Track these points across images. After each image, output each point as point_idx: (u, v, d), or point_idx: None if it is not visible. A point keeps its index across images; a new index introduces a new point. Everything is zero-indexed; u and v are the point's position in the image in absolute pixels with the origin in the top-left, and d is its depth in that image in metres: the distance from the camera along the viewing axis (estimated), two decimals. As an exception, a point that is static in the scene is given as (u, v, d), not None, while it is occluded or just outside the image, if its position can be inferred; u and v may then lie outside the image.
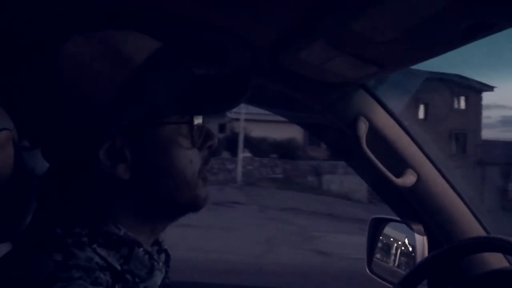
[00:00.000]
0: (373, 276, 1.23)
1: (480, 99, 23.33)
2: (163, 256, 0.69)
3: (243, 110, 16.72)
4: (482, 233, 1.02)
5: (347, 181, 17.77)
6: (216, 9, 0.74)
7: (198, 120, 0.62)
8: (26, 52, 0.87)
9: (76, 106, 0.56)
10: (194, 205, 0.64)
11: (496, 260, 0.99)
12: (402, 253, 1.20)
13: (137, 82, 0.57)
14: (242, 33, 0.82)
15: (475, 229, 1.01)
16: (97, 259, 0.56)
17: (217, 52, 0.88)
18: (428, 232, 1.07)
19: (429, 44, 0.69)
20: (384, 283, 1.17)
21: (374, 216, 1.27)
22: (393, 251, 1.23)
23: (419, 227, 1.08)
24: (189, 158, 0.61)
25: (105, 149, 0.57)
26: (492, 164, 20.92)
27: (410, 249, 1.16)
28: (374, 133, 0.98)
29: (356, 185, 17.71)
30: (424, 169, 1.00)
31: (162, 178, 0.60)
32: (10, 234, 0.73)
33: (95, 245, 0.57)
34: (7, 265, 0.55)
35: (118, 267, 0.58)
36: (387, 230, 1.26)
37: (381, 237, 1.26)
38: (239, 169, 17.66)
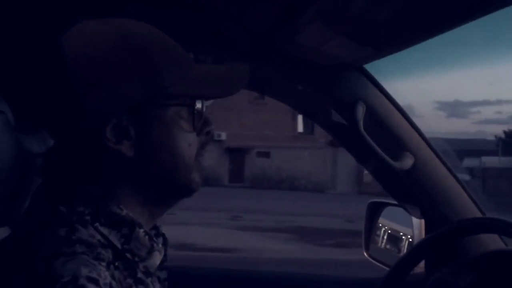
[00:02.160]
0: (371, 260, 1.24)
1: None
2: (160, 240, 0.70)
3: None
4: (478, 214, 1.02)
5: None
6: None
7: (198, 105, 0.64)
8: (23, 36, 0.86)
9: (86, 84, 0.58)
10: (189, 188, 0.66)
11: (491, 241, 1.00)
12: (399, 236, 1.21)
13: (145, 64, 0.59)
14: (239, 16, 0.81)
15: (471, 210, 1.02)
16: (98, 237, 0.58)
17: (214, 35, 0.88)
18: (425, 215, 1.08)
19: (426, 24, 0.69)
20: (383, 266, 1.18)
21: (372, 200, 1.28)
22: (391, 234, 1.24)
23: (417, 210, 1.09)
24: (188, 141, 0.64)
25: (112, 126, 0.59)
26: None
27: (408, 232, 1.17)
28: (372, 116, 0.98)
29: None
30: (421, 152, 1.01)
31: (162, 157, 0.62)
32: (8, 218, 0.73)
33: (97, 224, 0.59)
34: (13, 243, 0.56)
35: (119, 246, 0.59)
36: (385, 214, 1.27)
37: (378, 221, 1.27)
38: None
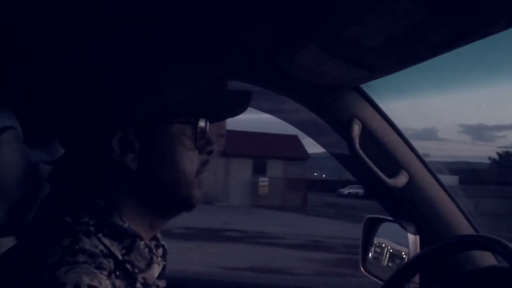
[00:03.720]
0: (367, 275, 1.26)
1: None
2: (160, 251, 0.73)
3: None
4: (472, 231, 1.04)
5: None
6: (213, 12, 0.77)
7: (201, 123, 0.68)
8: (31, 50, 0.90)
9: (97, 98, 0.62)
10: (188, 203, 0.68)
11: (484, 258, 1.01)
12: (395, 252, 1.23)
13: (153, 82, 0.63)
14: (239, 37, 0.85)
15: (464, 228, 1.04)
16: (101, 247, 0.61)
17: (214, 55, 0.91)
18: (420, 231, 1.10)
19: (416, 50, 0.72)
20: (378, 281, 1.20)
21: (369, 215, 1.30)
22: (387, 250, 1.25)
23: (412, 226, 1.11)
24: (190, 158, 0.67)
25: (118, 138, 0.63)
26: (240, 156, 19.06)
27: (403, 248, 1.18)
28: (367, 134, 1.01)
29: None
30: (415, 170, 1.03)
31: (164, 171, 0.65)
32: (13, 228, 0.76)
33: (100, 235, 0.61)
34: (18, 251, 0.59)
35: (120, 257, 0.62)
36: (381, 230, 1.29)
37: (375, 236, 1.29)
38: None
